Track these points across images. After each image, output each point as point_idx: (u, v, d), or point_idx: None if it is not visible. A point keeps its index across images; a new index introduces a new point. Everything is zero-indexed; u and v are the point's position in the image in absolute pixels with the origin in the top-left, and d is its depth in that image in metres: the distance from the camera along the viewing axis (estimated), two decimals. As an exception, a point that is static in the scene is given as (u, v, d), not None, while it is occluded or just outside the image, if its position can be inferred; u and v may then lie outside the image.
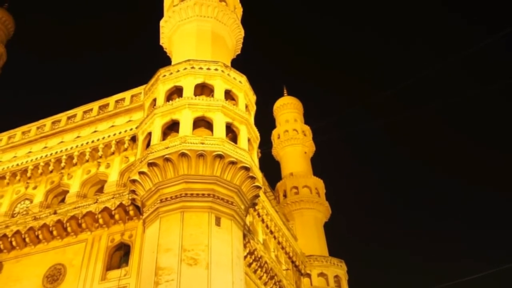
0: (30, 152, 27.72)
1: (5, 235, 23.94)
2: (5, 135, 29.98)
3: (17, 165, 27.40)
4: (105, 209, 22.30)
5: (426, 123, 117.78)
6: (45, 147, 27.34)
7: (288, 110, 54.14)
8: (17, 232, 23.77)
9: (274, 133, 52.90)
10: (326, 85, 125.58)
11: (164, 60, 29.60)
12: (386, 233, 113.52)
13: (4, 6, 44.79)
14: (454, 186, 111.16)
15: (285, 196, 44.51)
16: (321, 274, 38.21)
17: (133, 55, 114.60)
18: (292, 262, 35.63)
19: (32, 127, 29.17)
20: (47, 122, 28.73)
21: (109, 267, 21.46)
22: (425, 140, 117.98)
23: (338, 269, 39.13)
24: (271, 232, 31.97)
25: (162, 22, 29.44)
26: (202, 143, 20.30)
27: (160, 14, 30.28)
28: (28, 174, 26.73)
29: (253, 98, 24.94)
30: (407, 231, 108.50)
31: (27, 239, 23.65)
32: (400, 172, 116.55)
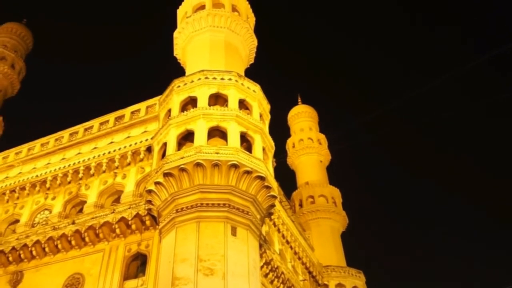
0: (48, 163, 28.23)
1: (25, 245, 24.32)
2: (25, 147, 30.62)
3: (37, 176, 27.89)
4: (122, 219, 22.50)
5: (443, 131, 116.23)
6: (63, 159, 27.81)
7: (302, 118, 53.99)
8: (37, 241, 24.11)
9: (289, 142, 52.75)
10: (341, 93, 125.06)
11: (178, 70, 29.92)
12: (404, 242, 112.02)
13: (22, 22, 45.80)
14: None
15: (301, 205, 44.27)
16: (339, 285, 37.72)
17: (148, 66, 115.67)
18: (309, 272, 35.37)
19: (51, 139, 29.74)
20: (65, 134, 29.26)
21: (126, 276, 21.58)
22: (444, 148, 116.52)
23: (357, 279, 38.67)
24: (288, 242, 31.83)
25: (175, 34, 29.76)
26: (217, 153, 20.38)
27: (174, 25, 30.62)
28: (47, 185, 27.18)
29: (267, 107, 25.01)
30: (426, 240, 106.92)
31: (46, 249, 23.96)
32: (418, 179, 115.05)
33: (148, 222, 22.19)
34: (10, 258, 24.63)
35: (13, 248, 24.56)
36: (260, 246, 22.30)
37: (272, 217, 28.69)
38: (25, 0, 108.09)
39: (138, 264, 21.92)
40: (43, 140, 30.11)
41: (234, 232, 19.67)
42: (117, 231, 22.60)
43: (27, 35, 44.74)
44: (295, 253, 33.07)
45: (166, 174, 20.35)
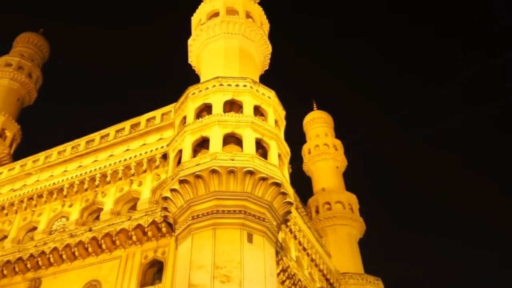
0: (65, 171, 28.48)
1: (43, 252, 24.51)
2: (42, 155, 30.99)
3: (54, 183, 28.16)
4: (138, 226, 22.54)
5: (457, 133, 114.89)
6: (80, 166, 28.05)
7: (318, 124, 53.78)
8: (55, 249, 24.29)
9: (305, 148, 52.54)
10: (356, 98, 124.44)
11: (193, 78, 30.00)
12: (423, 248, 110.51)
13: (39, 31, 46.57)
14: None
15: (317, 212, 44.00)
16: (357, 292, 37.42)
17: (163, 73, 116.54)
18: (326, 279, 35.04)
19: (68, 146, 30.04)
20: (82, 141, 29.53)
21: (143, 283, 21.58)
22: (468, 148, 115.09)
23: (375, 287, 38.26)
24: (304, 249, 31.60)
25: (190, 41, 29.84)
26: (232, 160, 20.32)
27: (188, 33, 30.74)
28: (64, 193, 27.41)
29: (282, 113, 24.92)
30: (446, 246, 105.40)
31: (64, 256, 24.10)
32: (435, 185, 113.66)
33: (164, 229, 22.20)
34: (28, 265, 24.84)
35: (31, 255, 24.77)
36: (277, 253, 22.15)
37: (288, 223, 28.52)
38: (42, 9, 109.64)
39: (154, 271, 21.90)
40: (60, 148, 30.44)
41: (250, 239, 19.56)
42: (134, 238, 22.65)
43: (44, 44, 45.50)
44: (312, 260, 32.81)
45: (182, 181, 20.35)
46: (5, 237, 28.29)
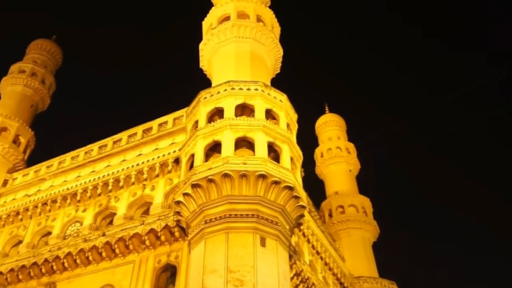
0: (79, 176, 28.71)
1: (57, 257, 24.66)
2: (55, 160, 31.31)
3: (67, 189, 28.38)
4: (151, 230, 22.59)
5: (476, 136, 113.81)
6: (93, 171, 28.25)
7: (330, 127, 53.53)
8: (69, 253, 24.42)
9: (317, 151, 52.32)
10: (369, 101, 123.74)
11: (204, 82, 30.05)
12: (439, 252, 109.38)
13: (52, 38, 47.04)
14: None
15: (330, 215, 43.75)
16: (372, 296, 37.13)
17: (174, 78, 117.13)
18: (341, 283, 34.79)
19: (81, 152, 30.31)
20: (94, 147, 29.77)
21: (157, 288, 21.65)
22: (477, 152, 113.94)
23: (389, 291, 37.97)
24: (318, 253, 31.42)
25: (201, 45, 29.87)
26: (245, 163, 20.29)
27: (199, 37, 30.82)
28: (78, 198, 27.61)
29: (294, 116, 24.84)
30: (461, 250, 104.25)
31: (78, 261, 24.22)
32: (451, 188, 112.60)
33: (177, 234, 22.21)
34: (43, 270, 25.01)
35: (46, 260, 24.94)
36: (290, 257, 22.04)
37: (302, 227, 28.39)
38: (55, 15, 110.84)
39: (168, 275, 21.91)
40: (73, 153, 30.74)
41: (263, 242, 19.48)
42: (147, 242, 22.69)
43: (56, 50, 45.98)
44: (326, 263, 32.60)
45: (194, 185, 20.36)
46: (20, 242, 28.57)
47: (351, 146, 51.48)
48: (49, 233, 27.73)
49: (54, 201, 28.53)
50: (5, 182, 33.35)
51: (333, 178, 48.59)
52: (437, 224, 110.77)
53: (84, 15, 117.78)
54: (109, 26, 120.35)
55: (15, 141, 35.93)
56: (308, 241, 30.06)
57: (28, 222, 29.12)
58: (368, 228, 42.58)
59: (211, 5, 32.72)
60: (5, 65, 43.80)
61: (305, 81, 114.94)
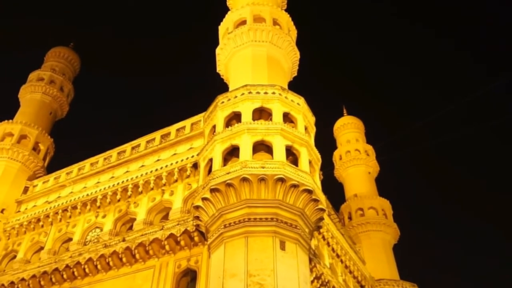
0: (98, 182, 28.96)
1: (78, 263, 24.86)
2: (75, 167, 31.65)
3: (87, 195, 28.64)
4: (171, 235, 22.64)
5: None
6: (112, 177, 28.47)
7: (349, 130, 53.21)
8: (90, 259, 24.60)
9: (336, 154, 52.04)
10: (387, 102, 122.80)
11: (222, 87, 30.06)
12: (460, 254, 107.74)
13: (69, 45, 47.65)
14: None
15: (350, 218, 43.41)
16: (393, 299, 36.70)
17: (192, 83, 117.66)
18: (361, 286, 34.46)
19: (100, 158, 30.61)
20: (113, 153, 30.04)
21: (177, 293, 21.67)
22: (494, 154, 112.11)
23: (411, 293, 37.48)
24: (338, 256, 31.16)
25: (217, 50, 29.89)
26: (263, 167, 20.21)
27: (216, 42, 30.89)
28: (98, 204, 27.83)
29: (312, 119, 24.70)
30: (483, 252, 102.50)
31: (98, 266, 24.38)
32: (471, 189, 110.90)
33: (196, 238, 22.22)
34: (65, 276, 25.22)
35: (67, 265, 25.15)
36: (310, 260, 21.85)
37: (321, 230, 28.19)
38: (72, 23, 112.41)
39: (188, 280, 21.92)
40: (93, 159, 31.05)
41: (283, 246, 19.36)
42: (167, 247, 22.74)
43: (74, 58, 46.59)
44: (346, 266, 32.32)
45: (213, 190, 20.35)
46: (42, 248, 28.88)
47: (369, 148, 51.09)
48: (70, 239, 28.00)
49: (74, 208, 28.82)
50: (25, 189, 33.81)
51: (352, 180, 48.24)
52: (459, 226, 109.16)
53: (101, 23, 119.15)
54: (125, 32, 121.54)
55: (35, 148, 36.39)
56: (328, 244, 29.83)
57: (49, 229, 29.45)
58: (388, 230, 42.13)
59: (227, 9, 32.81)
60: (24, 73, 44.37)
61: (322, 83, 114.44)
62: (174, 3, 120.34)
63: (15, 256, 29.96)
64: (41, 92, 41.26)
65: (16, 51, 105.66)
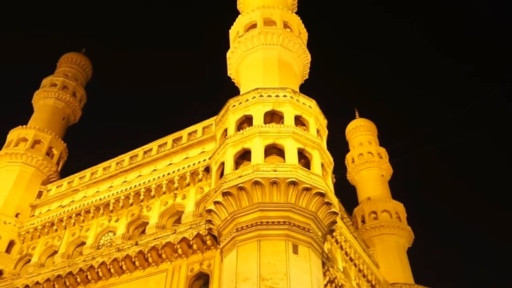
0: (111, 186, 29.10)
1: (92, 266, 24.96)
2: (88, 171, 31.85)
3: (100, 199, 28.79)
4: (183, 239, 22.65)
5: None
6: (125, 181, 28.59)
7: (361, 132, 52.91)
8: (103, 263, 24.69)
9: (348, 157, 51.77)
10: (400, 104, 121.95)
11: (233, 90, 30.07)
12: (477, 257, 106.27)
13: (81, 51, 48.08)
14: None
15: (363, 221, 43.11)
16: (407, 303, 36.36)
17: (203, 87, 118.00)
18: (375, 290, 34.17)
19: (112, 162, 30.78)
20: (126, 157, 30.20)
21: (190, 296, 21.65)
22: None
23: (426, 297, 37.11)
24: (351, 260, 30.94)
25: (228, 54, 29.90)
26: (275, 171, 20.14)
27: (226, 46, 30.91)
28: (110, 208, 27.97)
29: (324, 122, 24.59)
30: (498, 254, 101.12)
31: (112, 270, 24.45)
32: (487, 190, 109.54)
33: (209, 242, 22.21)
34: (78, 279, 25.33)
35: (81, 269, 25.27)
36: (323, 264, 21.71)
37: (334, 234, 28.00)
38: (84, 29, 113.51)
39: (201, 283, 21.91)
40: (105, 164, 31.23)
41: (295, 250, 19.25)
42: (179, 251, 22.75)
43: (86, 63, 47.04)
44: (360, 270, 32.06)
45: (225, 193, 20.32)
46: (55, 252, 29.11)
47: (382, 150, 50.74)
48: (83, 243, 28.17)
49: (88, 212, 29.00)
50: (39, 194, 34.13)
51: (365, 183, 47.92)
52: (477, 229, 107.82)
53: (110, 29, 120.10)
54: (135, 39, 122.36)
55: (48, 153, 36.71)
56: (341, 247, 29.63)
57: (63, 233, 29.66)
58: (402, 233, 41.74)
59: (237, 13, 32.85)
60: (38, 79, 44.78)
61: (334, 86, 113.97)
62: (183, 10, 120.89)
63: (29, 260, 30.23)
64: (54, 98, 41.64)
65: (29, 58, 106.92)
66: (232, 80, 30.41)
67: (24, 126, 37.70)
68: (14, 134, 36.75)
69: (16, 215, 32.50)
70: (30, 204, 33.42)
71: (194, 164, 25.93)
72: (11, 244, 31.33)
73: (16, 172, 34.38)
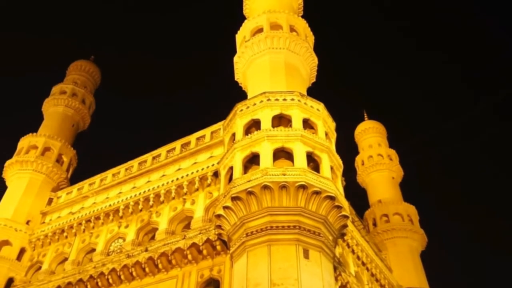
0: (120, 192, 29.11)
1: (102, 273, 24.95)
2: (97, 178, 31.90)
3: (110, 205, 28.79)
4: (193, 245, 22.57)
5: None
6: (134, 187, 28.58)
7: (370, 134, 52.50)
8: (113, 269, 24.68)
9: (358, 159, 51.39)
10: (410, 105, 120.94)
11: (240, 95, 29.98)
12: (493, 260, 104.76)
13: (90, 58, 48.44)
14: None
15: (374, 225, 42.68)
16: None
17: (210, 92, 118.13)
18: (388, 294, 33.79)
19: (121, 168, 30.81)
20: (134, 163, 30.20)
21: (200, 303, 21.54)
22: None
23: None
24: (363, 264, 30.63)
25: (235, 58, 29.89)
26: (284, 174, 19.99)
27: (233, 51, 30.87)
28: (120, 214, 27.94)
29: (332, 125, 24.41)
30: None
31: (122, 277, 24.43)
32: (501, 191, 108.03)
33: (219, 247, 22.10)
34: (89, 286, 25.33)
35: (91, 276, 25.26)
36: (335, 268, 21.49)
37: (345, 238, 27.74)
38: (92, 36, 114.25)
39: (211, 290, 21.80)
40: (114, 170, 31.26)
41: (306, 254, 19.06)
42: (189, 257, 22.67)
43: (95, 71, 47.45)
44: (372, 274, 31.74)
45: (234, 198, 20.20)
46: (66, 259, 29.10)
47: (392, 152, 50.30)
48: (93, 250, 28.14)
49: (97, 218, 29.00)
50: (50, 201, 34.24)
51: (376, 186, 47.48)
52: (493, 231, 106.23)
53: (118, 36, 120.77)
54: (143, 45, 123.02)
55: (58, 160, 36.86)
56: (353, 251, 29.35)
57: (73, 240, 29.68)
58: (415, 236, 41.22)
59: (243, 18, 32.82)
60: (47, 87, 45.09)
61: (342, 88, 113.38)
62: (189, 18, 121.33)
63: (40, 267, 30.27)
64: (63, 105, 41.90)
65: (40, 66, 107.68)
66: (240, 85, 30.37)
67: (35, 133, 37.94)
68: (24, 142, 36.98)
69: (27, 222, 32.62)
70: (41, 211, 33.54)
71: (202, 169, 25.85)
72: (22, 251, 31.40)
73: (27, 180, 34.55)
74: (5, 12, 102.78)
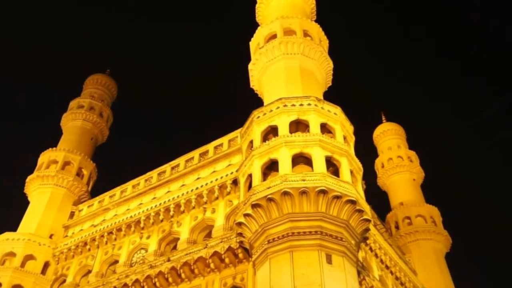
0: (141, 203, 29.25)
1: (125, 284, 25.09)
2: (117, 190, 32.13)
3: (131, 217, 28.95)
4: (215, 253, 22.56)
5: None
6: (154, 198, 28.71)
7: (389, 137, 52.06)
8: (136, 280, 24.77)
9: (377, 162, 50.95)
10: (426, 106, 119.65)
11: (256, 102, 29.94)
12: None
13: (106, 72, 49.02)
14: None
15: (397, 227, 42.21)
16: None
17: (226, 100, 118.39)
18: (414, 298, 33.23)
19: (141, 180, 30.96)
20: (154, 174, 30.35)
21: (225, 311, 21.47)
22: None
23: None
24: (387, 267, 30.20)
25: (250, 65, 29.90)
26: (304, 180, 19.87)
27: (248, 59, 30.88)
28: (141, 225, 28.06)
29: (350, 128, 24.22)
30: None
31: (145, 287, 24.46)
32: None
33: (241, 255, 22.04)
34: (113, 298, 25.40)
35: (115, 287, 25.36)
36: (358, 273, 21.24)
37: (368, 241, 27.39)
38: (108, 49, 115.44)
39: (235, 298, 21.72)
40: (134, 181, 31.45)
41: (329, 259, 18.88)
42: (211, 265, 22.65)
43: (111, 84, 48.06)
44: (397, 278, 31.26)
45: (254, 205, 20.13)
46: (89, 271, 29.31)
47: (412, 154, 49.76)
48: (116, 261, 28.30)
49: (119, 230, 29.17)
50: (72, 214, 34.61)
51: (397, 188, 47.00)
52: None
53: (131, 48, 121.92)
54: (160, 57, 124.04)
55: (78, 173, 37.26)
56: (376, 255, 28.97)
57: (96, 252, 29.88)
58: (439, 238, 40.63)
59: (256, 25, 32.85)
60: (64, 102, 45.78)
61: (359, 91, 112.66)
62: (203, 26, 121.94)
63: (64, 280, 30.53)
64: (81, 119, 42.38)
65: (57, 81, 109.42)
66: (255, 92, 30.35)
67: (54, 148, 38.43)
68: (45, 157, 37.47)
69: (50, 236, 33.00)
70: (63, 224, 33.89)
71: (221, 178, 25.86)
72: (46, 265, 31.75)
73: (48, 194, 34.98)
74: (20, 26, 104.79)
